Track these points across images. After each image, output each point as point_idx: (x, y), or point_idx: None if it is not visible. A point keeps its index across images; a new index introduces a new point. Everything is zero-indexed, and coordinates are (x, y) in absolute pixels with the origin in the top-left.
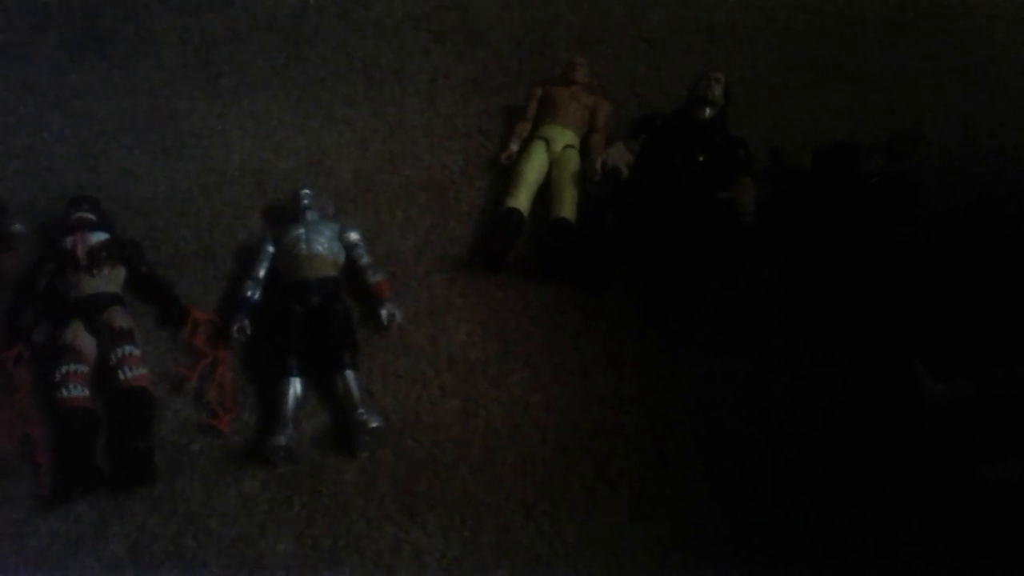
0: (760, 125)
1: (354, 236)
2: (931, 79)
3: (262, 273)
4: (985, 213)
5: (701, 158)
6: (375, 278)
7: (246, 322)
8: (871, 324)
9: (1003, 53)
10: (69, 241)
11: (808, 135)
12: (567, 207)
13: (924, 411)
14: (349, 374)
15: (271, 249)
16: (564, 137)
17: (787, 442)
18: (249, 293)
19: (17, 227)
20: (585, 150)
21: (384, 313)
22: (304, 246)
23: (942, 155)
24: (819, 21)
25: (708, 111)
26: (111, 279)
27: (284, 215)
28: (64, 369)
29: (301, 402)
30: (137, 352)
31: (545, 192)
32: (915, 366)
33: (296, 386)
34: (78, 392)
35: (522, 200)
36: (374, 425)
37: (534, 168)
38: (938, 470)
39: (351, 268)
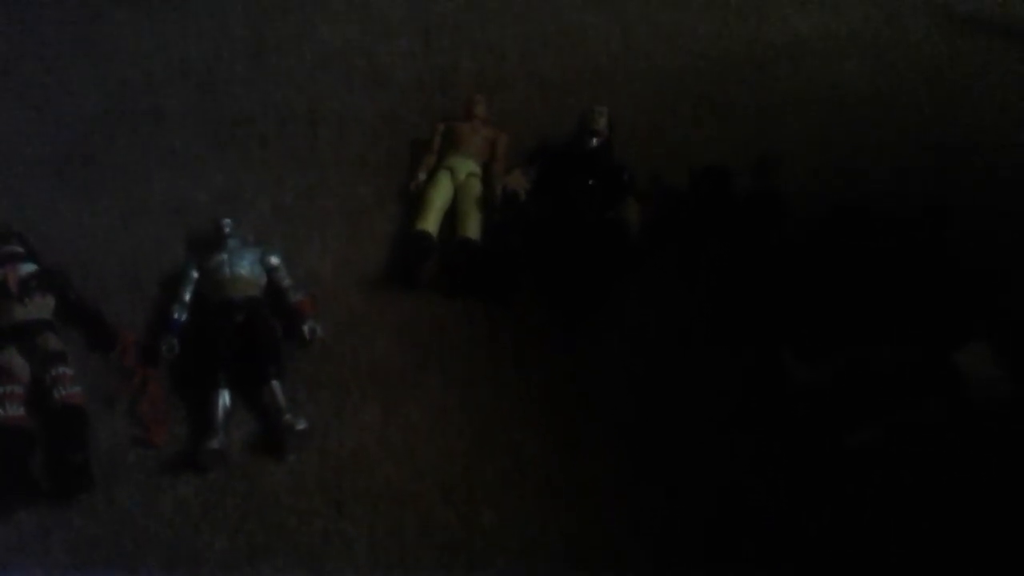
0: (643, 153)
1: (275, 260)
2: (792, 108)
3: (187, 297)
4: (843, 220)
5: (590, 182)
6: (297, 297)
7: (174, 341)
8: (748, 318)
9: (854, 83)
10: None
11: (685, 161)
12: (472, 228)
13: (793, 390)
14: (275, 384)
15: (195, 274)
16: (466, 167)
17: (678, 425)
18: (176, 315)
19: None
20: (486, 178)
21: (306, 328)
22: (227, 269)
23: (805, 173)
24: (693, 62)
25: (595, 140)
26: (42, 307)
27: (206, 244)
28: (0, 390)
29: (230, 412)
30: (70, 372)
31: (452, 217)
32: (783, 352)
33: (225, 398)
34: (14, 411)
35: (431, 223)
36: (300, 427)
37: (440, 194)
38: (809, 439)
39: (274, 290)
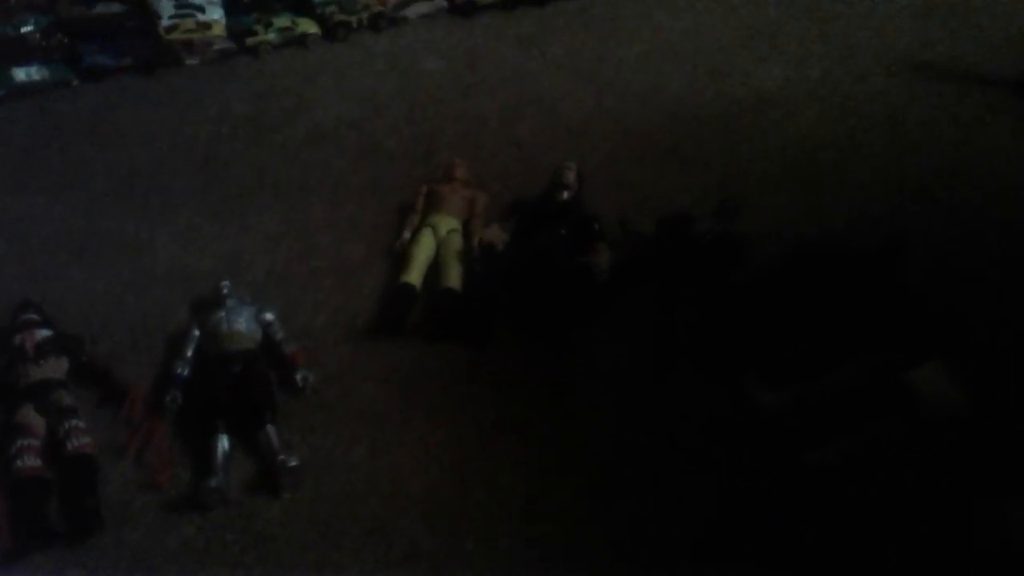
0: (614, 203)
1: (269, 316)
2: (754, 157)
3: (189, 353)
4: (804, 256)
5: (563, 232)
6: (289, 348)
7: (177, 394)
8: (714, 349)
9: (815, 131)
10: (18, 338)
11: (654, 209)
12: (453, 278)
13: (758, 415)
14: (270, 428)
15: (197, 333)
16: (448, 224)
17: (650, 450)
18: (179, 370)
19: None
20: (467, 233)
21: (299, 377)
22: (225, 326)
23: (769, 215)
24: (661, 119)
25: (566, 194)
26: (56, 368)
27: (208, 305)
28: (18, 443)
29: (229, 456)
30: (82, 424)
31: (435, 269)
32: (746, 380)
33: (224, 443)
34: (31, 462)
35: (414, 276)
36: (293, 464)
37: (424, 250)
38: (772, 458)
39: (269, 343)
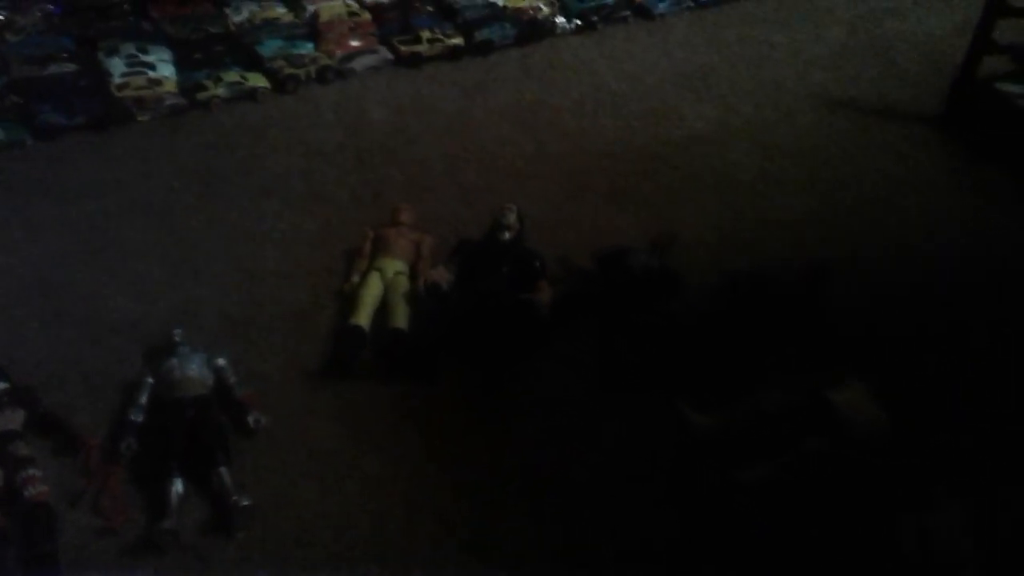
0: (554, 241)
1: (221, 362)
2: (687, 194)
3: (143, 400)
4: (734, 285)
5: (505, 270)
6: (241, 392)
7: (132, 440)
8: (652, 376)
9: (744, 166)
10: None
11: (593, 245)
12: (400, 318)
13: (691, 437)
14: (223, 470)
15: (150, 380)
16: (394, 266)
17: (595, 477)
18: (134, 417)
19: None
20: (413, 274)
21: (251, 420)
22: (178, 372)
23: (702, 248)
24: (598, 160)
25: (507, 234)
26: (11, 420)
27: (161, 354)
28: None
29: (183, 498)
30: (38, 474)
31: (382, 311)
32: (678, 404)
33: (178, 485)
34: None
35: (362, 317)
36: (245, 503)
37: (371, 292)
38: (704, 478)
39: (221, 388)
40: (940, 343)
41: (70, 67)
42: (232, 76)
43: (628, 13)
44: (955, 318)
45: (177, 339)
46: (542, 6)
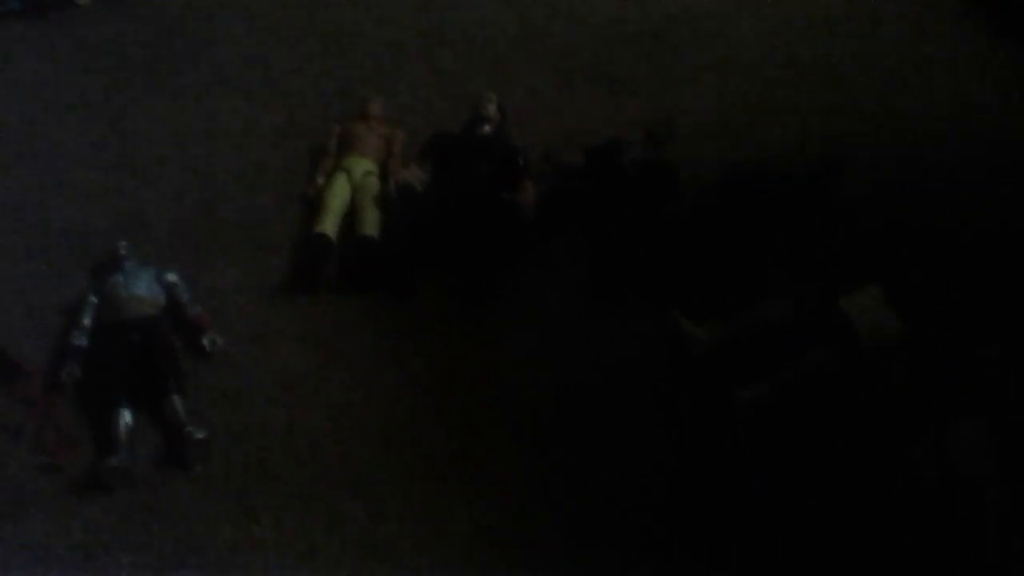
0: (539, 134)
1: (172, 277)
2: (689, 75)
3: (87, 322)
4: (735, 181)
5: (485, 168)
6: (195, 311)
7: (75, 367)
8: (647, 282)
9: (746, 46)
10: None
11: (583, 137)
12: (370, 225)
13: (689, 350)
14: (175, 398)
15: (94, 299)
16: (362, 165)
17: (581, 399)
18: (76, 341)
19: None
20: (384, 175)
21: (206, 341)
22: (123, 290)
23: (703, 139)
24: (589, 40)
25: (487, 127)
26: None
27: (106, 269)
28: None
29: (132, 430)
30: None
31: (351, 217)
32: (674, 315)
33: (126, 416)
34: None
35: (328, 225)
36: (199, 436)
37: (337, 196)
38: (705, 397)
39: (172, 307)
40: (963, 242)
41: None
42: None
43: None
44: (980, 213)
45: (122, 252)
46: None
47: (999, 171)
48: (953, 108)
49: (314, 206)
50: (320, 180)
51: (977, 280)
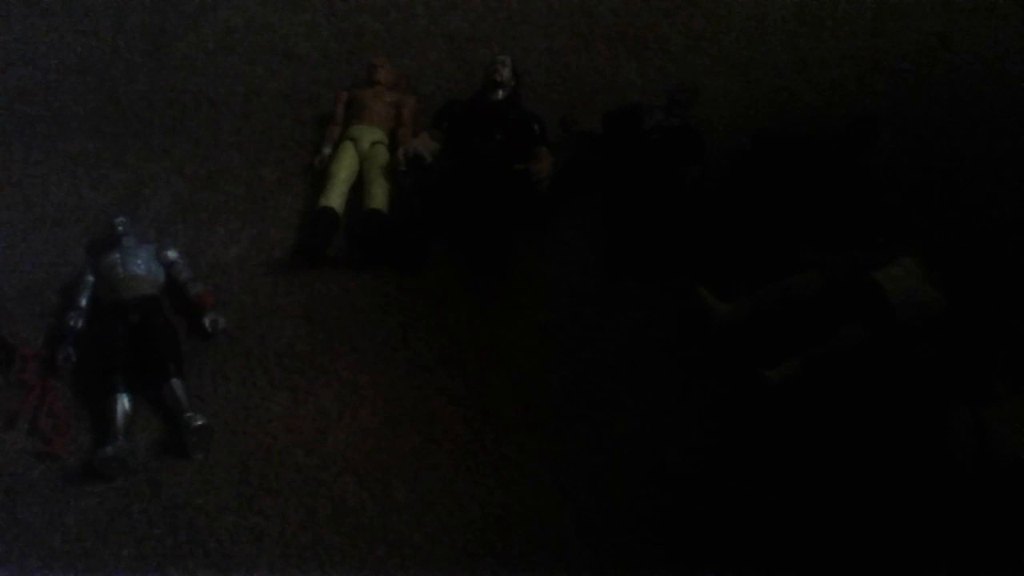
0: (559, 99)
1: (172, 254)
2: (711, 35)
3: (84, 302)
4: (762, 148)
5: (499, 136)
6: (196, 290)
7: (71, 350)
8: (668, 257)
9: (774, 3)
10: None
11: (603, 102)
12: (378, 198)
13: (713, 328)
14: (175, 382)
15: (91, 278)
16: (371, 135)
17: (599, 380)
18: (72, 323)
19: None
20: (393, 144)
21: (207, 321)
22: (121, 269)
23: (729, 101)
24: None
25: (500, 92)
26: None
27: (104, 246)
28: None
29: (131, 416)
30: None
31: (358, 189)
32: (700, 291)
33: (124, 402)
34: None
35: (334, 198)
36: (199, 423)
37: (344, 167)
38: (731, 377)
39: (173, 286)
40: (1005, 211)
41: None
42: None
43: None
44: (1016, 185)
45: (120, 229)
46: None
47: None
48: (995, 65)
49: (320, 178)
50: (326, 150)
51: (1018, 248)
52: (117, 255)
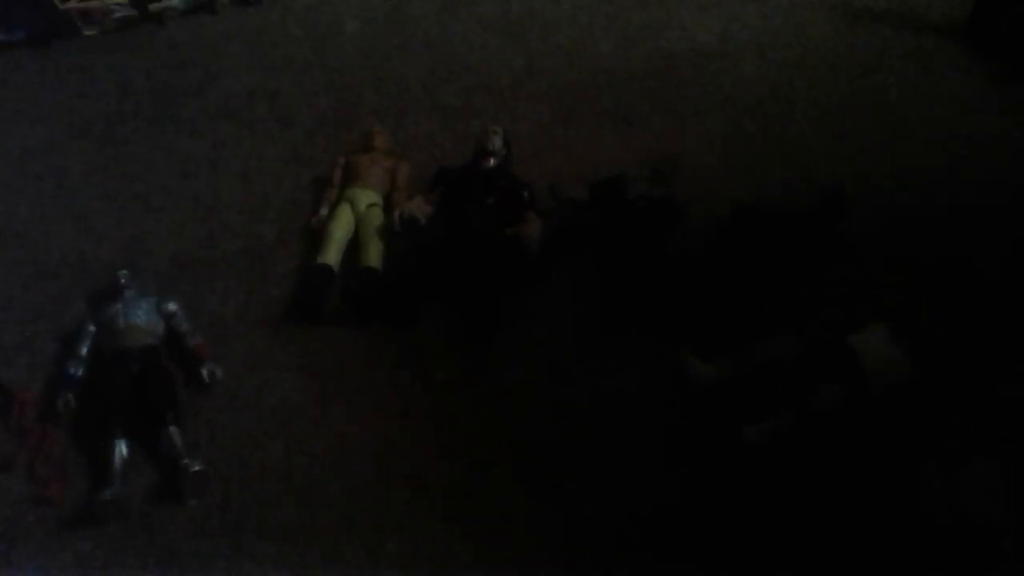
0: (544, 169)
1: (172, 307)
2: (692, 114)
3: (84, 351)
4: (740, 220)
5: (490, 202)
6: (194, 341)
7: (70, 396)
8: (651, 320)
9: (749, 85)
10: None
11: (588, 171)
12: (373, 257)
13: (696, 388)
14: (172, 430)
15: (92, 328)
16: (367, 197)
17: (586, 435)
18: (72, 370)
19: None
20: (388, 207)
21: (205, 371)
22: (122, 320)
23: (709, 175)
24: (594, 77)
25: (492, 160)
26: None
27: (105, 298)
28: None
29: (128, 462)
30: None
31: (354, 248)
32: (683, 353)
33: (122, 448)
34: None
35: (331, 256)
36: (196, 469)
37: (340, 226)
38: (711, 435)
39: (172, 337)
40: (969, 278)
41: None
42: None
43: None
44: (984, 249)
45: (123, 281)
46: None
47: (998, 206)
48: (954, 146)
49: (317, 237)
50: (324, 211)
51: (986, 317)
52: (119, 306)
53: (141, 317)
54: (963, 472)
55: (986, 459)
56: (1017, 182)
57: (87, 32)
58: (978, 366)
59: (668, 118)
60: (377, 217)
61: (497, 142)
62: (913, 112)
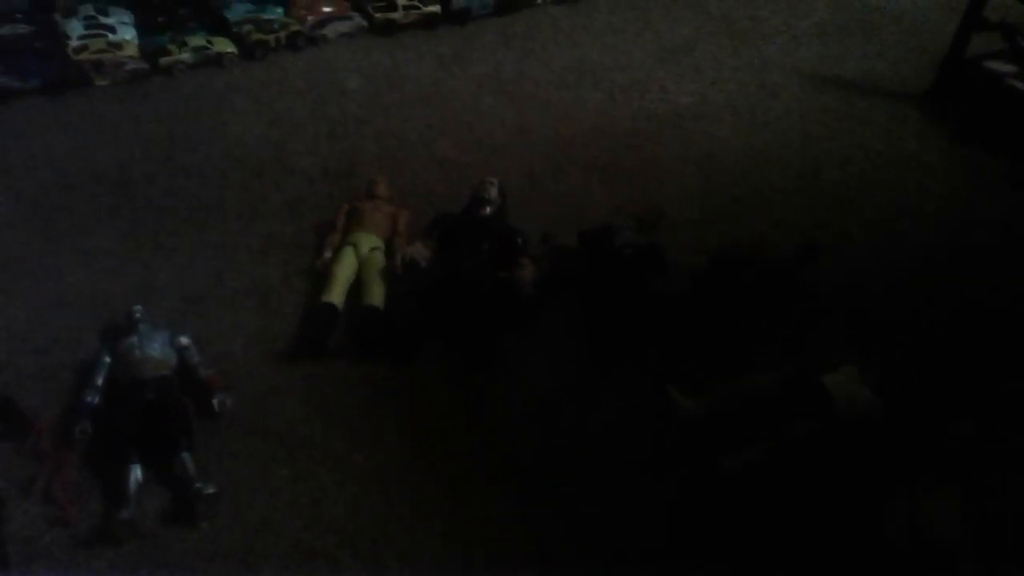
0: (536, 217)
1: (184, 340)
2: (672, 170)
3: (100, 381)
4: (719, 267)
5: (485, 247)
6: (205, 373)
7: (87, 423)
8: (636, 356)
9: (726, 145)
10: None
11: (575, 222)
12: (376, 296)
13: (679, 421)
14: (185, 455)
15: (108, 359)
16: (369, 241)
17: (575, 462)
18: (89, 398)
19: None
20: (389, 250)
21: (215, 402)
22: (139, 351)
23: (687, 226)
24: (581, 134)
25: (488, 209)
26: None
27: (119, 331)
28: None
29: (142, 486)
30: None
31: (357, 288)
32: (668, 390)
33: (136, 472)
34: None
35: (335, 295)
36: (209, 491)
37: (344, 268)
38: (690, 464)
39: (184, 369)
40: (930, 325)
41: (24, 28)
42: (197, 41)
43: None
44: (943, 299)
45: (137, 316)
46: None
47: (954, 261)
48: (914, 203)
49: (321, 278)
50: (328, 253)
51: (942, 357)
52: (135, 339)
53: (156, 349)
54: (924, 498)
55: (946, 487)
56: (970, 237)
57: (99, 82)
58: (940, 404)
59: (650, 172)
60: (379, 260)
61: (493, 192)
62: (877, 172)
